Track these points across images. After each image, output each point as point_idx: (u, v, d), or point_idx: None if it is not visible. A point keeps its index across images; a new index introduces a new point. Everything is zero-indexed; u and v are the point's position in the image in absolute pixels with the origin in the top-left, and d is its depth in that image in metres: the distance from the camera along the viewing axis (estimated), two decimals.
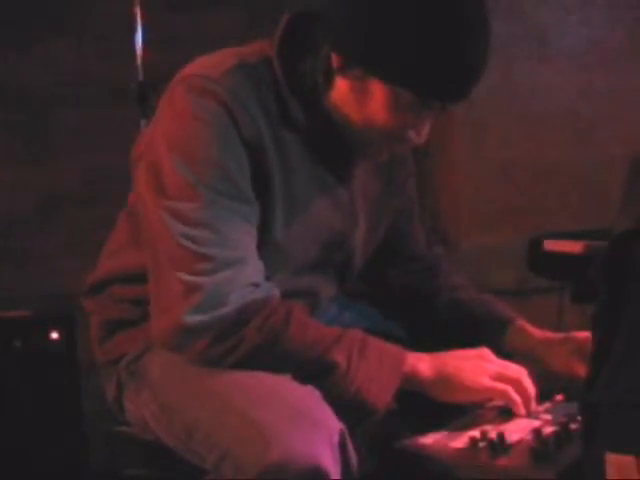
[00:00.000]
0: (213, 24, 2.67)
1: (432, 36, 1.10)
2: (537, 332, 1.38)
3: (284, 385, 1.09)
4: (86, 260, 1.42)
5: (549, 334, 1.38)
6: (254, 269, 1.15)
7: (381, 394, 1.14)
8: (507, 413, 1.21)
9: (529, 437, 1.11)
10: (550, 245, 2.14)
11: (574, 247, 2.06)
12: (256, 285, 1.13)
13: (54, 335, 2.06)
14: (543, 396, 1.25)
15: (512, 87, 2.63)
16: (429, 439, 1.14)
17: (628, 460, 0.73)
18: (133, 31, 2.19)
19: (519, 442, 1.10)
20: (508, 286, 2.57)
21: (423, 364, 1.18)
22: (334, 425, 1.04)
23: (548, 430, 1.13)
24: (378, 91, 1.14)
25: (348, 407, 1.12)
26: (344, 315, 1.42)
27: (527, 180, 2.65)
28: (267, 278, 1.17)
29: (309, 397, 1.08)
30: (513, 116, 2.63)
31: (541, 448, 1.07)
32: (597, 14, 2.68)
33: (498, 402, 1.22)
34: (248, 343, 1.10)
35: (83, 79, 2.61)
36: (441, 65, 1.11)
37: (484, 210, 2.65)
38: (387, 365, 1.15)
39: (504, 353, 1.31)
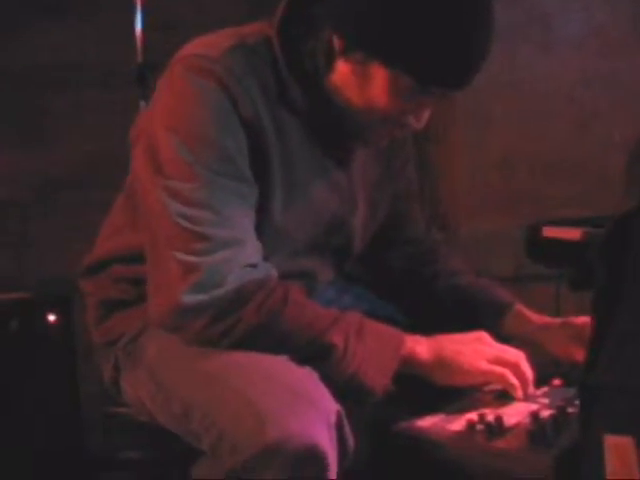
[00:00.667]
0: (214, 8, 2.65)
1: (435, 22, 1.09)
2: (535, 317, 1.38)
3: (281, 366, 1.08)
4: (84, 243, 1.41)
5: (547, 319, 1.38)
6: (252, 250, 1.14)
7: (379, 376, 1.14)
8: (505, 397, 1.21)
9: (527, 420, 1.11)
10: (549, 232, 2.13)
11: (573, 234, 2.05)
12: (254, 266, 1.13)
13: (51, 317, 2.06)
14: (541, 380, 1.25)
15: (514, 74, 2.62)
16: (427, 422, 1.14)
17: (626, 442, 0.72)
18: (133, 14, 2.18)
19: (516, 425, 1.10)
20: (506, 273, 2.57)
21: (421, 347, 1.18)
22: (331, 406, 1.03)
23: (546, 414, 1.13)
24: (379, 75, 1.13)
25: (346, 389, 1.12)
26: (343, 298, 1.42)
27: (527, 167, 2.65)
28: (265, 259, 1.17)
29: (306, 378, 1.07)
30: (514, 103, 2.62)
31: (538, 431, 1.07)
32: (599, 1, 2.66)
33: (496, 386, 1.22)
34: (245, 323, 1.10)
35: (82, 62, 2.59)
36: (443, 52, 1.10)
37: (483, 197, 2.64)
38: (385, 348, 1.15)
39: (503, 337, 1.31)
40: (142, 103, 2.10)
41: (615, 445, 0.73)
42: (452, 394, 1.22)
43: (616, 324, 0.76)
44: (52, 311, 2.06)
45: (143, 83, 2.13)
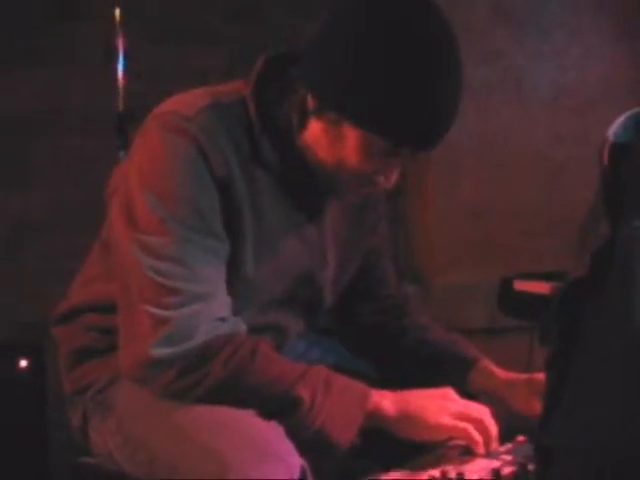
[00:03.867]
0: (195, 57, 2.70)
1: (405, 85, 1.12)
2: (501, 373, 1.40)
3: (247, 420, 1.10)
4: (58, 288, 1.43)
5: (513, 375, 1.40)
6: (222, 304, 1.16)
7: (344, 431, 1.15)
8: (469, 453, 1.22)
9: (488, 477, 1.13)
10: (520, 285, 2.17)
11: (543, 288, 2.09)
12: (223, 320, 1.15)
13: (23, 363, 2.05)
14: (506, 437, 1.27)
15: (487, 129, 2.68)
16: (390, 477, 1.15)
17: None
18: (115, 61, 2.21)
19: None
20: (480, 324, 2.60)
21: (387, 402, 1.19)
22: (295, 461, 1.05)
23: (507, 470, 1.14)
24: (351, 135, 1.16)
25: (311, 443, 1.14)
26: (312, 351, 1.44)
27: (500, 220, 2.69)
28: (235, 313, 1.19)
29: (272, 432, 1.09)
30: (487, 157, 2.67)
31: None
32: (571, 62, 2.74)
33: (460, 441, 1.24)
34: (213, 378, 1.12)
35: (64, 108, 2.62)
36: (413, 114, 1.14)
37: (457, 249, 2.68)
38: (351, 402, 1.17)
39: (469, 393, 1.33)
40: (121, 153, 2.12)
41: None
42: (418, 449, 1.23)
43: (568, 386, 0.79)
44: (24, 357, 2.05)
45: (122, 133, 2.16)
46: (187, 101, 1.22)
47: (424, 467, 1.17)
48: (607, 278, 0.71)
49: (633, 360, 0.69)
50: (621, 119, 0.84)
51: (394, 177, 1.23)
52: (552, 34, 2.73)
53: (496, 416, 1.25)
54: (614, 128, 0.82)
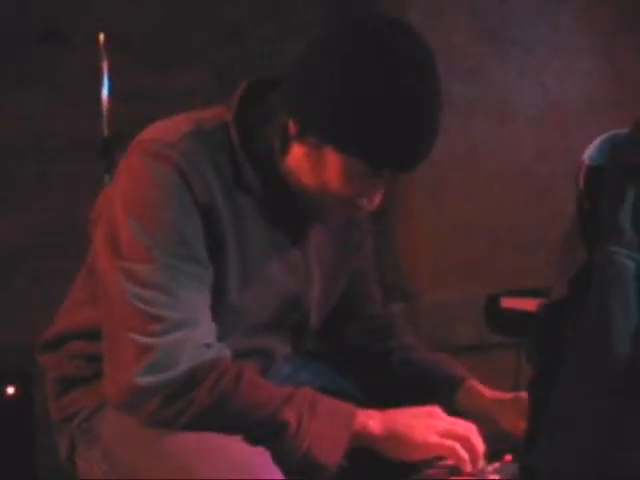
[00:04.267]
0: (180, 81, 2.71)
1: (385, 108, 1.13)
2: (488, 392, 1.40)
3: (233, 446, 1.10)
4: (45, 314, 1.42)
5: (500, 394, 1.41)
6: (206, 330, 1.17)
7: (331, 452, 1.15)
8: (457, 472, 1.22)
9: None
10: (507, 302, 2.18)
11: (530, 305, 2.09)
12: (208, 346, 1.15)
13: (10, 390, 2.04)
14: (494, 456, 1.27)
15: (471, 146, 2.70)
16: None
17: None
18: (100, 83, 2.22)
19: None
20: (469, 341, 2.60)
21: (373, 421, 1.19)
22: None
23: None
24: (332, 160, 1.17)
25: (299, 466, 1.14)
26: (299, 374, 1.44)
27: (486, 237, 2.71)
28: (221, 339, 1.19)
29: (258, 458, 1.09)
30: (472, 174, 2.69)
31: None
32: (553, 78, 2.77)
33: (449, 461, 1.24)
34: (198, 405, 1.12)
35: (49, 132, 2.63)
36: (393, 137, 1.15)
37: (444, 266, 2.69)
38: (337, 423, 1.17)
39: (456, 412, 1.33)
40: (106, 176, 2.13)
41: None
42: (407, 469, 1.23)
43: (551, 406, 0.79)
44: (11, 384, 2.04)
45: (107, 156, 2.16)
46: (169, 127, 1.22)
47: None
48: (585, 301, 0.72)
49: (612, 382, 0.69)
50: (597, 142, 0.85)
51: (377, 199, 1.24)
52: (534, 51, 2.76)
53: (483, 434, 1.25)
54: (589, 151, 0.83)
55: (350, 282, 1.46)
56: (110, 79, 2.22)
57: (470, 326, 2.58)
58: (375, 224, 1.52)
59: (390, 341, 1.50)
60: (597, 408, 0.72)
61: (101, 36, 2.21)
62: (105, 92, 2.22)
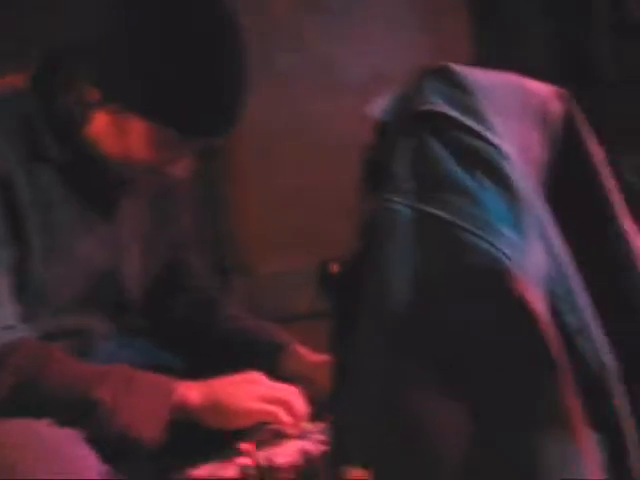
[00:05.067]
0: None
1: (189, 74, 1.12)
2: (310, 355, 1.42)
3: (40, 430, 1.05)
4: None
5: (323, 357, 1.42)
6: (8, 312, 1.12)
7: (150, 428, 1.13)
8: (282, 436, 1.23)
9: (297, 458, 1.14)
10: (337, 268, 2.21)
11: None
12: (11, 328, 1.10)
13: None
14: (319, 417, 1.29)
15: (299, 116, 2.70)
16: (202, 471, 1.14)
17: (363, 475, 0.76)
18: None
19: (288, 464, 1.13)
20: (304, 310, 2.63)
21: (193, 392, 1.18)
22: (93, 465, 1.02)
23: (317, 450, 1.16)
24: (137, 126, 1.15)
25: (117, 444, 1.11)
26: (122, 352, 1.39)
27: (318, 206, 2.73)
28: (28, 320, 1.14)
29: (67, 441, 1.05)
30: (299, 145, 2.70)
31: (309, 469, 1.10)
32: (380, 51, 2.81)
33: (273, 425, 1.25)
34: (2, 387, 1.07)
35: None
36: (199, 102, 1.13)
37: (278, 236, 2.70)
38: (155, 398, 1.14)
39: (281, 377, 1.34)
40: None
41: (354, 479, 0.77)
42: (236, 437, 1.23)
43: (349, 365, 0.80)
44: None
45: None
46: None
47: (235, 457, 1.17)
48: (367, 253, 0.73)
49: (388, 337, 0.70)
50: (387, 99, 0.86)
51: (187, 167, 1.22)
52: (358, 21, 2.79)
53: (307, 397, 1.26)
54: (379, 107, 0.84)
55: (170, 254, 1.43)
56: None
57: (304, 295, 2.60)
58: (207, 194, 1.50)
59: (214, 313, 1.48)
60: (378, 365, 0.73)
61: None
62: None
